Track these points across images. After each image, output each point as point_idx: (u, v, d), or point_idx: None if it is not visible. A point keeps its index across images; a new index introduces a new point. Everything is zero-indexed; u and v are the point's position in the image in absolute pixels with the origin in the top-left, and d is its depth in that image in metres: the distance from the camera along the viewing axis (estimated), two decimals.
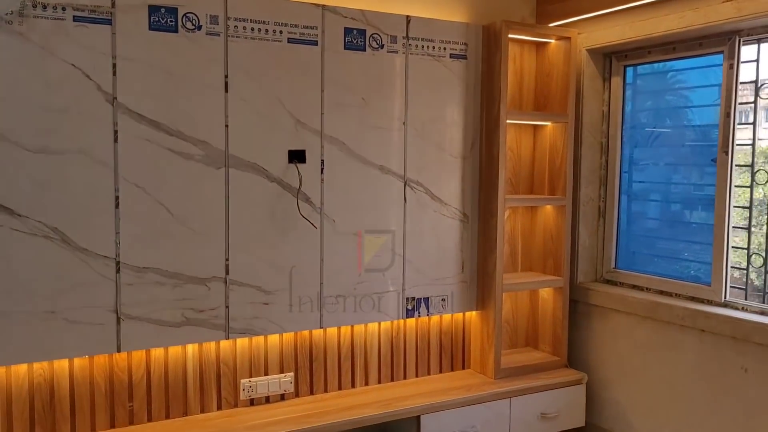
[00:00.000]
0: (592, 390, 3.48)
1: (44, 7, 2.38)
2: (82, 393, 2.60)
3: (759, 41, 2.89)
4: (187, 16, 2.62)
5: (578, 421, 3.42)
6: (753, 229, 2.95)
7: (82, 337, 2.50)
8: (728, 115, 2.96)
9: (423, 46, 3.15)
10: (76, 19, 2.43)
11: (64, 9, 2.41)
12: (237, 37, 2.72)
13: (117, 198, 2.53)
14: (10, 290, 2.38)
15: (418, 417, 2.97)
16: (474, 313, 3.42)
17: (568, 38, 3.39)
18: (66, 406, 2.58)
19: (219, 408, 2.87)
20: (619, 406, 3.38)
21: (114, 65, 2.50)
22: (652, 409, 3.22)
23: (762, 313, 2.84)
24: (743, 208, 2.98)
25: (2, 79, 2.33)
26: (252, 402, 2.93)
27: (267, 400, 2.96)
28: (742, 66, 2.93)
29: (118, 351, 2.58)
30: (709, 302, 3.04)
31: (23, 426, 2.51)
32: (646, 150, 3.51)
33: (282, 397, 3.00)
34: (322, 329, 3.05)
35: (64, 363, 2.56)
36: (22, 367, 2.50)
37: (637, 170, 3.55)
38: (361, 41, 2.99)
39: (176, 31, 2.61)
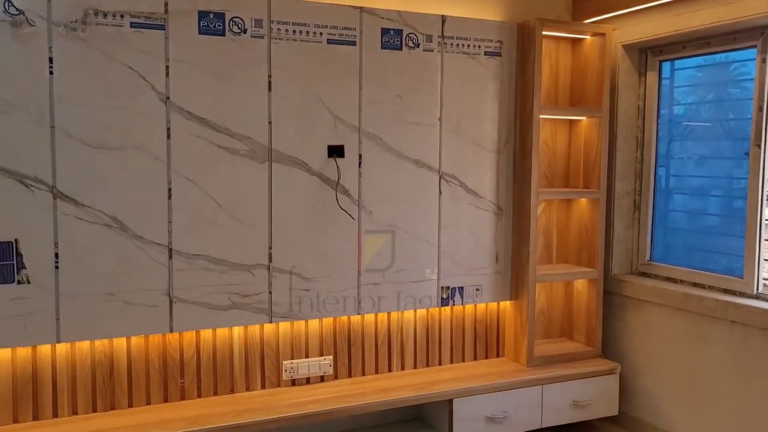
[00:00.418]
0: (625, 380, 3.54)
1: (104, 15, 2.61)
2: (138, 369, 2.83)
3: None
4: (233, 21, 2.81)
5: (611, 410, 3.49)
6: None
7: (138, 317, 2.73)
8: (761, 109, 2.98)
9: (458, 45, 3.27)
10: (133, 25, 2.65)
11: (122, 16, 2.63)
12: (280, 39, 2.89)
13: (170, 190, 2.75)
14: (75, 274, 2.62)
15: (451, 400, 3.10)
16: (508, 302, 3.52)
17: (603, 34, 3.45)
18: (124, 381, 2.81)
19: (263, 387, 3.06)
20: (652, 396, 3.43)
21: (167, 67, 2.71)
22: (684, 399, 3.26)
23: None
24: None
25: (67, 81, 2.56)
26: (293, 382, 3.12)
27: (307, 381, 3.14)
28: None
29: (171, 331, 2.80)
30: (741, 294, 3.07)
31: (86, 398, 2.75)
32: (683, 144, 3.54)
33: (321, 379, 3.17)
34: (359, 315, 3.21)
35: (122, 341, 2.80)
36: (85, 344, 2.74)
37: (673, 164, 3.58)
38: (397, 41, 3.13)
39: (223, 34, 2.80)
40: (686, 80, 3.54)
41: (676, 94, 3.55)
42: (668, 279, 3.45)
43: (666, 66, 3.55)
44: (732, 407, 3.03)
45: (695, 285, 3.30)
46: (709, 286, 3.23)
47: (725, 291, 3.14)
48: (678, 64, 3.49)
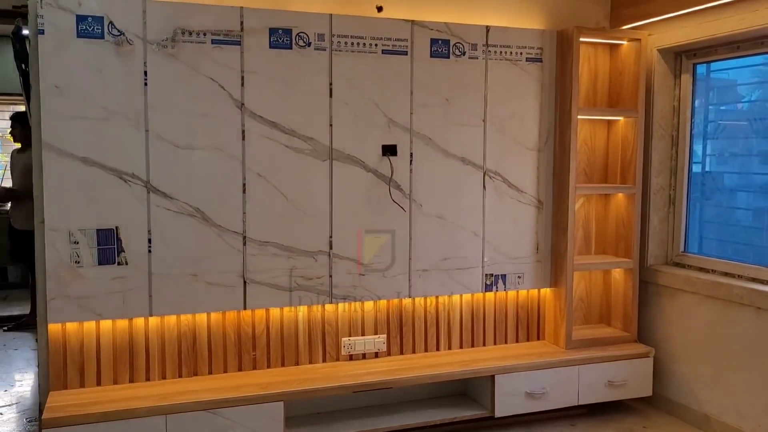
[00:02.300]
0: (659, 363, 3.77)
1: (190, 33, 3.02)
2: (216, 341, 3.24)
3: None
4: (299, 35, 3.19)
5: (645, 391, 3.72)
6: None
7: (217, 296, 3.14)
8: None
9: (501, 52, 3.56)
10: (213, 42, 3.06)
11: (204, 34, 3.04)
12: (340, 51, 3.26)
13: (244, 185, 3.14)
14: (165, 257, 3.04)
15: (493, 376, 3.40)
16: (548, 289, 3.80)
17: (638, 40, 3.69)
18: (205, 351, 3.23)
19: (324, 360, 3.43)
20: (684, 379, 3.65)
21: (242, 78, 3.11)
22: (713, 381, 3.48)
23: None
24: None
25: (159, 91, 2.99)
26: (351, 357, 3.48)
27: (363, 356, 3.50)
28: None
29: (245, 309, 3.20)
30: None
31: (173, 364, 3.18)
32: (716, 141, 3.75)
33: (376, 355, 3.52)
34: (410, 298, 3.54)
35: (203, 316, 3.21)
36: (172, 318, 3.16)
37: (707, 160, 3.79)
38: (445, 50, 3.45)
39: (291, 47, 3.18)
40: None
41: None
42: (701, 269, 3.66)
43: (702, 68, 3.75)
44: (758, 388, 3.24)
45: (726, 274, 3.51)
46: (739, 276, 3.44)
47: (753, 280, 3.35)
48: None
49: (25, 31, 3.01)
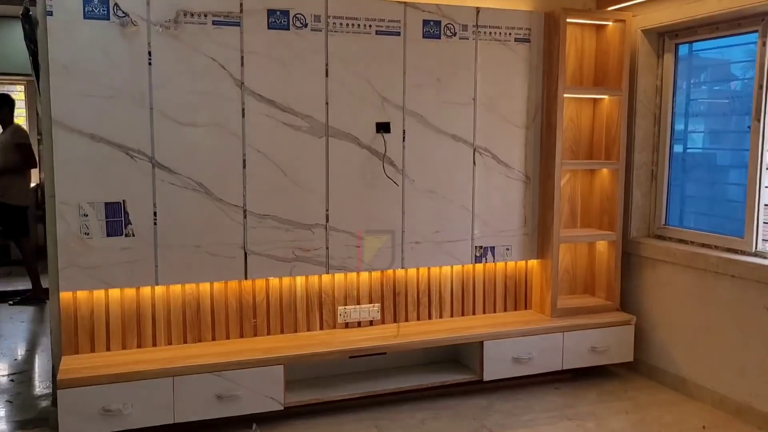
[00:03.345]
0: (640, 330, 3.96)
1: (191, 15, 3.15)
2: (219, 309, 3.41)
3: None
4: (296, 17, 3.32)
5: (627, 357, 3.92)
6: None
7: (219, 266, 3.30)
8: (761, 87, 3.34)
9: (491, 33, 3.70)
10: (214, 23, 3.19)
11: (205, 16, 3.17)
12: (335, 31, 3.39)
13: (244, 161, 3.29)
14: (170, 229, 3.20)
15: (482, 342, 3.59)
16: (535, 261, 3.98)
17: (623, 21, 3.84)
18: (208, 318, 3.40)
19: (321, 328, 3.61)
20: (664, 344, 3.85)
21: (242, 57, 3.24)
22: (690, 346, 3.68)
23: None
24: None
25: (163, 70, 3.13)
26: (347, 325, 3.65)
27: (358, 324, 3.67)
28: None
29: (245, 278, 3.37)
30: (742, 252, 3.45)
31: (178, 330, 3.35)
32: (696, 119, 3.91)
33: (370, 323, 3.70)
34: (403, 269, 3.71)
35: (206, 286, 3.38)
36: (178, 287, 3.33)
37: (688, 138, 3.95)
38: (437, 30, 3.59)
39: (288, 28, 3.31)
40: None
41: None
42: (680, 241, 3.84)
43: (684, 48, 3.90)
44: (730, 351, 3.44)
45: (703, 245, 3.69)
46: (715, 246, 3.62)
47: (728, 250, 3.53)
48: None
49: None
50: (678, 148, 3.98)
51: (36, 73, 3.13)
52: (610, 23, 3.93)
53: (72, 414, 2.90)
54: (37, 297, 5.61)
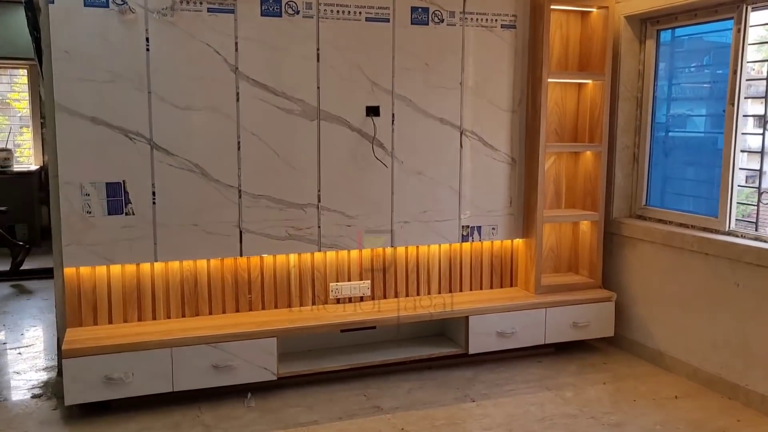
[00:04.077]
0: (621, 306, 4.12)
1: (187, 2, 3.28)
2: (215, 285, 3.58)
3: None
4: (288, 4, 3.45)
5: (608, 332, 4.08)
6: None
7: (215, 244, 3.46)
8: (735, 72, 3.47)
9: (477, 19, 3.83)
10: (209, 10, 3.32)
11: (201, 3, 3.30)
12: (326, 18, 3.52)
13: (239, 143, 3.44)
14: (168, 208, 3.35)
15: (467, 317, 3.75)
16: (520, 240, 4.13)
17: (606, 7, 3.96)
18: (205, 293, 3.56)
19: (313, 303, 3.77)
20: (643, 320, 4.01)
21: (236, 43, 3.38)
22: (667, 321, 3.84)
23: (755, 239, 3.39)
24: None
25: (160, 56, 3.26)
26: (338, 301, 3.82)
27: (349, 300, 3.84)
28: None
29: (241, 256, 3.53)
30: (716, 231, 3.60)
31: (176, 305, 3.52)
32: (677, 103, 4.04)
33: (361, 299, 3.86)
34: (392, 247, 3.87)
35: (203, 262, 3.54)
36: (176, 264, 3.49)
37: (669, 121, 4.08)
38: (425, 17, 3.72)
39: (280, 15, 3.45)
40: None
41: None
42: (659, 221, 3.99)
43: (667, 34, 4.02)
44: (704, 325, 3.60)
45: (681, 225, 3.84)
46: (692, 226, 3.77)
47: (704, 229, 3.68)
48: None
49: None
50: (659, 131, 4.11)
51: (39, 58, 3.27)
52: (594, 10, 4.05)
53: (77, 382, 3.07)
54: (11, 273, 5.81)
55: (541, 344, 3.96)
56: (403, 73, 3.70)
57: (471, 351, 3.78)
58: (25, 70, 7.33)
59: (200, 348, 3.26)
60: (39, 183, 7.09)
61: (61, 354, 3.13)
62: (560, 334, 3.97)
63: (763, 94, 3.41)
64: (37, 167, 7.24)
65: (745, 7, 3.42)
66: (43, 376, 3.70)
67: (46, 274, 5.40)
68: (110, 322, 3.41)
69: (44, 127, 7.22)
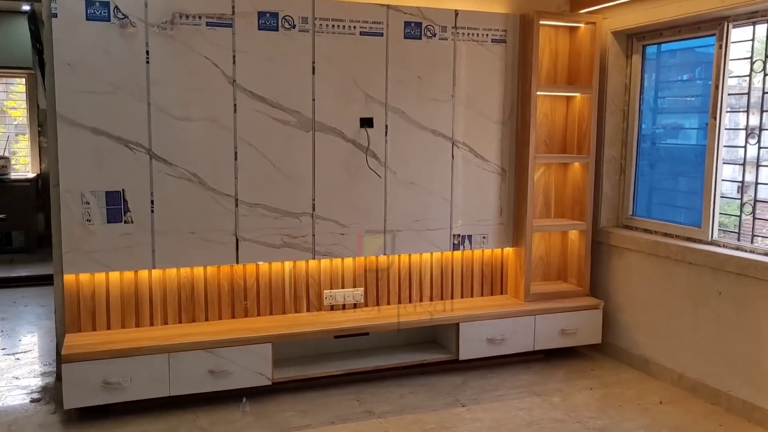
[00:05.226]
0: (608, 314, 4.22)
1: (186, 17, 3.38)
2: (212, 291, 3.66)
3: (755, 24, 3.44)
4: (285, 18, 3.55)
5: (595, 339, 4.18)
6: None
7: (212, 251, 3.54)
8: (717, 87, 3.59)
9: (469, 33, 3.94)
10: (208, 24, 3.42)
11: (200, 17, 3.40)
12: (322, 32, 3.62)
13: (236, 153, 3.53)
14: (166, 216, 3.43)
15: (458, 324, 3.84)
16: (510, 249, 4.23)
17: (594, 23, 4.08)
18: (202, 300, 3.64)
19: (308, 310, 3.86)
20: (629, 327, 4.11)
21: (234, 56, 3.47)
22: (652, 329, 3.94)
23: (737, 248, 3.50)
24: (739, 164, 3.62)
25: (160, 68, 3.35)
26: (332, 308, 3.90)
27: (343, 307, 3.92)
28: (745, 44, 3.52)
29: (237, 263, 3.61)
30: (699, 241, 3.71)
31: (174, 311, 3.60)
32: (662, 116, 4.16)
33: (354, 306, 3.94)
34: (385, 256, 3.96)
35: (200, 269, 3.62)
36: (173, 271, 3.57)
37: (655, 133, 4.20)
38: (417, 32, 3.82)
39: (277, 29, 3.55)
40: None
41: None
42: (645, 230, 4.10)
43: (652, 49, 4.14)
44: (687, 332, 3.70)
45: (665, 234, 3.95)
46: (676, 235, 3.88)
47: (687, 239, 3.79)
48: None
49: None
50: (645, 143, 4.23)
51: (42, 70, 3.36)
52: (582, 25, 4.17)
53: (75, 386, 3.14)
54: None
55: (530, 351, 4.05)
56: (397, 85, 3.81)
57: (462, 357, 3.87)
58: (23, 79, 7.40)
59: (197, 353, 3.33)
60: (36, 191, 7.15)
61: (60, 359, 3.20)
62: (549, 341, 4.07)
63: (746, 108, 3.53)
64: (34, 175, 7.30)
65: (726, 24, 3.54)
66: (42, 381, 3.76)
67: (43, 281, 5.48)
68: (109, 327, 3.49)
69: (41, 135, 7.30)
